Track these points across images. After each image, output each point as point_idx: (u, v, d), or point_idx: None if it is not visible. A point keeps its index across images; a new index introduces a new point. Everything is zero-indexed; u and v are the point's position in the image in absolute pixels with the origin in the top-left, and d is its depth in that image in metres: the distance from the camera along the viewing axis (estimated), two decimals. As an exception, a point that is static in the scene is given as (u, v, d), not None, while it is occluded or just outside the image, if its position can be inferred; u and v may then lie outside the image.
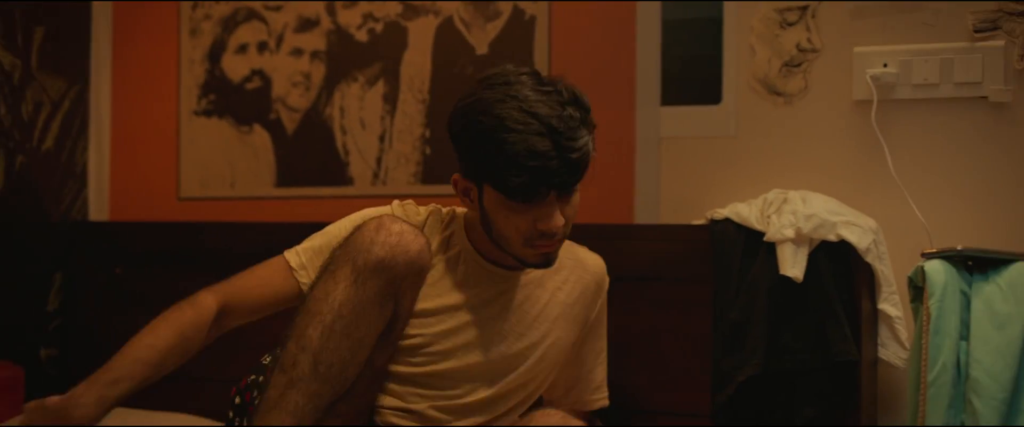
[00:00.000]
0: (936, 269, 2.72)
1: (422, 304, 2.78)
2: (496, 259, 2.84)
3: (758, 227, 3.56)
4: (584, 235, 3.17)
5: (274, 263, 2.84)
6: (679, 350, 3.68)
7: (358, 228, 2.66)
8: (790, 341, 3.51)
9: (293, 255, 2.83)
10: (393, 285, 2.63)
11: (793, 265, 3.46)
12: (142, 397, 2.75)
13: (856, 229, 3.48)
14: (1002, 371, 2.66)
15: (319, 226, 2.94)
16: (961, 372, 2.70)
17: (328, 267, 2.63)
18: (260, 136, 4.55)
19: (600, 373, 3.16)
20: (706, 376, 3.61)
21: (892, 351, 3.58)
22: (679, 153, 3.95)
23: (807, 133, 3.81)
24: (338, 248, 2.65)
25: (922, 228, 3.54)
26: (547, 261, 2.74)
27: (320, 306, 2.57)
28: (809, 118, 3.80)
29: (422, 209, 2.90)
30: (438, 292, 2.80)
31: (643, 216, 3.94)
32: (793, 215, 3.49)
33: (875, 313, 3.58)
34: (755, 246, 3.56)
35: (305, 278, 2.77)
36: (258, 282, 2.81)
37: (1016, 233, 3.52)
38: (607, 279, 3.09)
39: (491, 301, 2.85)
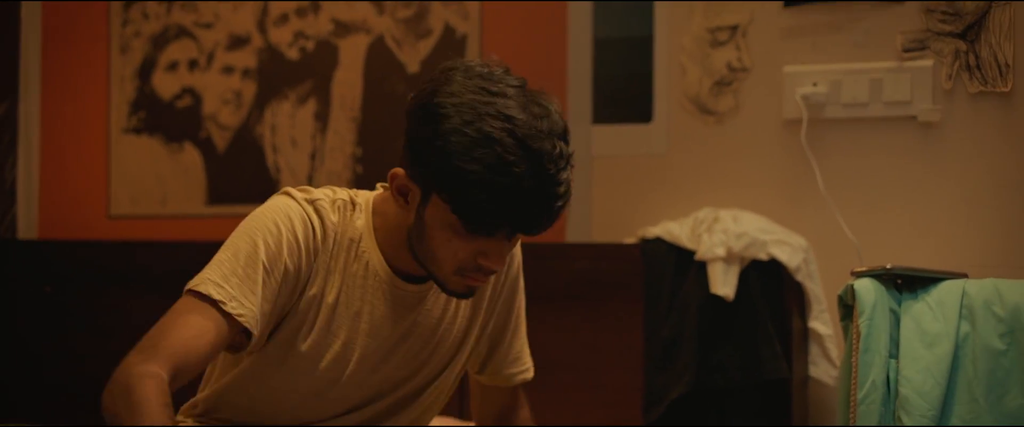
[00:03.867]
0: (866, 287, 2.72)
1: (310, 342, 2.31)
2: (408, 271, 2.35)
3: (689, 246, 3.57)
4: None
5: (198, 310, 2.18)
6: (611, 368, 3.69)
7: None
8: (721, 359, 3.52)
9: (217, 290, 2.18)
10: None
11: (724, 283, 3.47)
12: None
13: (786, 248, 3.50)
14: (931, 389, 2.66)
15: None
16: (891, 390, 2.70)
17: None
18: (191, 154, 4.53)
19: (518, 345, 2.68)
20: (638, 394, 3.62)
21: (822, 369, 3.60)
22: (610, 171, 3.96)
23: (738, 152, 3.82)
24: None
25: (852, 246, 3.56)
26: (469, 293, 2.31)
27: None
28: (740, 137, 3.82)
29: (328, 207, 2.31)
30: (333, 327, 2.33)
31: (575, 234, 3.94)
32: (724, 234, 3.50)
33: (805, 331, 3.60)
34: (686, 264, 3.57)
35: (240, 308, 2.18)
36: (195, 333, 2.14)
37: (945, 251, 3.55)
38: (519, 253, 2.59)
39: (394, 326, 2.38)
